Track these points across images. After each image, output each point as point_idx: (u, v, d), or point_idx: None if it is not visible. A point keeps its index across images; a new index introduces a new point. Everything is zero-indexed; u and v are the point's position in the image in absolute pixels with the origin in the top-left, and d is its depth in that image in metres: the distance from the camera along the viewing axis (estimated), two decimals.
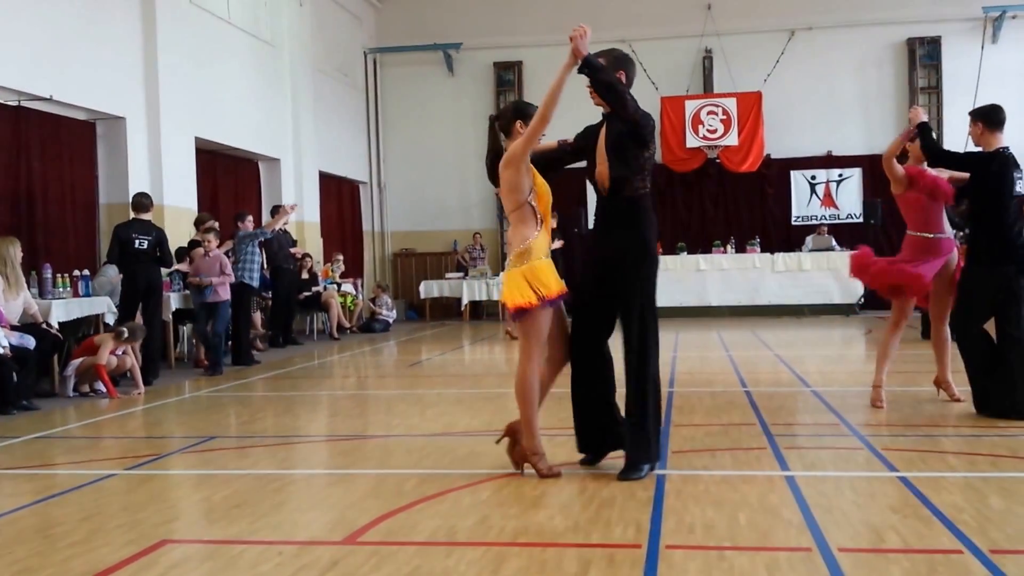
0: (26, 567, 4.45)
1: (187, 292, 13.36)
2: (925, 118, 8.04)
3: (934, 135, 8.13)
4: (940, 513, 4.91)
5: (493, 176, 6.06)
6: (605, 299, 5.99)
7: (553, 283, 5.79)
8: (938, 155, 7.98)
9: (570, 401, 6.16)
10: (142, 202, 11.95)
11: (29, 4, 12.10)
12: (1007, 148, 7.81)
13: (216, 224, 13.93)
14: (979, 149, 8.01)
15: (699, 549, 4.47)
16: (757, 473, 5.99)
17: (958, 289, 7.96)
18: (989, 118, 7.92)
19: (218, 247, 12.68)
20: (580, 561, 4.31)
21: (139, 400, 10.39)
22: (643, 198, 5.98)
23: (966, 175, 7.97)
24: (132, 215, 11.98)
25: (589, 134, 6.17)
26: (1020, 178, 7.78)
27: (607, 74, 5.83)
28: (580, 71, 5.77)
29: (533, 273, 5.77)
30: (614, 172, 5.91)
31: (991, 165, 7.81)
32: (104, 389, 10.60)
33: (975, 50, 21.50)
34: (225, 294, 12.50)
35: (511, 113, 6.08)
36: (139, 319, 11.85)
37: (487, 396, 9.85)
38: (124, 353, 10.80)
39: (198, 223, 13.52)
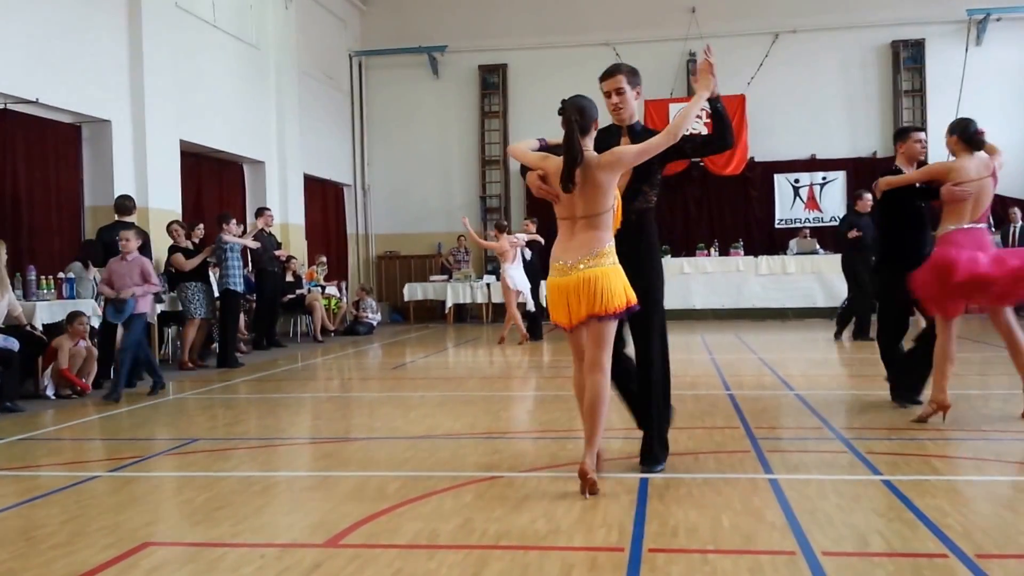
0: (8, 569, 4.43)
1: (173, 295, 13.32)
2: None
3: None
4: (925, 517, 4.91)
5: (569, 179, 5.57)
6: None
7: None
8: None
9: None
10: (125, 204, 11.95)
11: (15, 7, 12.05)
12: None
13: (166, 230, 13.56)
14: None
15: (682, 552, 4.46)
16: (740, 476, 5.99)
17: None
18: None
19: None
20: (563, 564, 4.31)
21: (83, 396, 10.57)
22: (651, 211, 6.12)
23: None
24: (116, 218, 11.97)
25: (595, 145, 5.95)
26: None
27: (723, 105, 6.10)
28: (711, 101, 5.98)
29: (622, 275, 5.67)
30: (634, 184, 6.00)
31: None
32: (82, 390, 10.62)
33: (959, 52, 21.59)
34: (145, 306, 10.77)
35: (586, 111, 5.65)
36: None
37: (470, 399, 9.84)
38: (89, 345, 10.91)
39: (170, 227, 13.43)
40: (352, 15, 23.79)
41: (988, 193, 7.68)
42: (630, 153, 5.64)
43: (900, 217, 8.28)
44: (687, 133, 5.73)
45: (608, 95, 6.02)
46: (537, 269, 16.16)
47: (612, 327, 5.65)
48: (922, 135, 8.57)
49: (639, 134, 6.02)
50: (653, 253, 6.16)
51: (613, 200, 5.67)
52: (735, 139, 6.21)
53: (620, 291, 5.57)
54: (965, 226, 7.54)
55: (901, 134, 8.62)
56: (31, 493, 6.03)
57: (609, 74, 6.04)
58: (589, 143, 5.69)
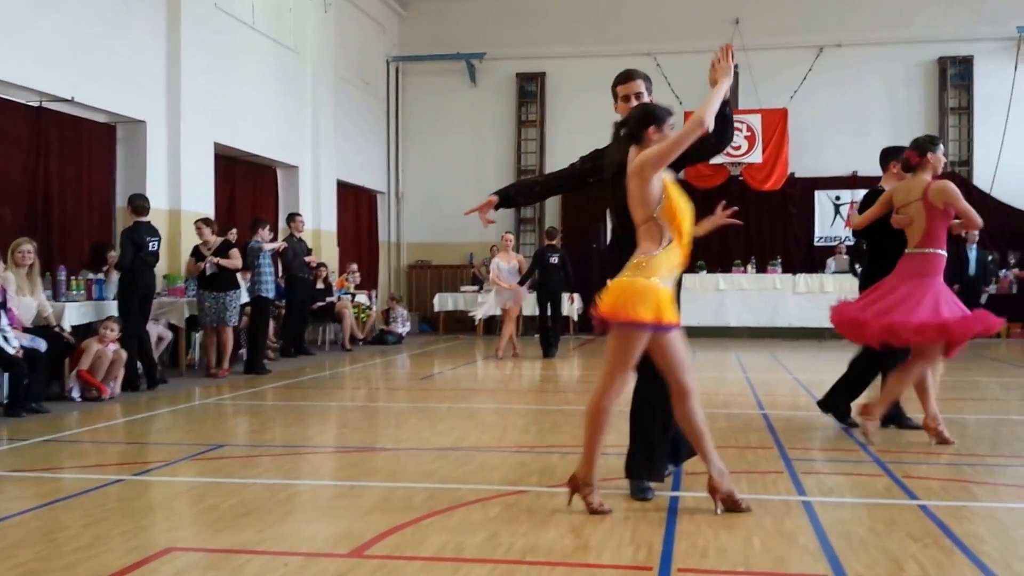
0: (30, 570, 4.40)
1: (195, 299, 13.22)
2: None
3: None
4: (961, 543, 4.79)
5: (617, 190, 5.44)
6: None
7: (666, 309, 5.21)
8: None
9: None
10: (143, 205, 11.72)
11: (54, 5, 12.09)
12: None
13: None
14: None
15: (712, 573, 4.37)
16: (773, 497, 5.87)
17: None
18: None
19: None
20: None
21: (105, 399, 10.44)
22: None
23: None
24: (134, 219, 11.68)
25: (600, 157, 5.97)
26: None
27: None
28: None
29: (643, 290, 5.18)
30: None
31: None
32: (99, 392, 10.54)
33: (1008, 71, 21.23)
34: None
35: (641, 118, 5.42)
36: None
37: (498, 411, 9.78)
38: (117, 349, 10.81)
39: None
40: (391, 20, 23.81)
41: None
42: (651, 156, 5.24)
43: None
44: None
45: (627, 99, 5.86)
46: (560, 281, 16.06)
47: (620, 340, 5.30)
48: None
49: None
50: None
51: (652, 210, 5.27)
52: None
53: (625, 304, 5.21)
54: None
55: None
56: (55, 495, 6.01)
57: (628, 78, 5.93)
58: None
